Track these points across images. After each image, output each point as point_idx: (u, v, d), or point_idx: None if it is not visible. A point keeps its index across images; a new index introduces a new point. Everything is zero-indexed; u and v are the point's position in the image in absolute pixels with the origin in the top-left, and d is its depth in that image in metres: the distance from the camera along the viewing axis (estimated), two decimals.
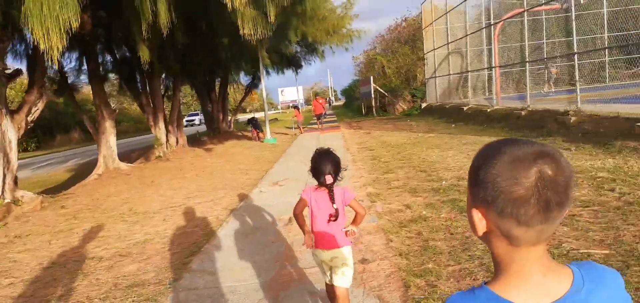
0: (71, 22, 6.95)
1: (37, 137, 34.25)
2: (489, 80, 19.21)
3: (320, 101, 24.69)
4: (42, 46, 6.52)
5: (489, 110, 16.00)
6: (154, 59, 12.77)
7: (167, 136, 16.35)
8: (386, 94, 29.30)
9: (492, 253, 0.93)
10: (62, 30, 6.84)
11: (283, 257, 4.75)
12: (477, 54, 19.83)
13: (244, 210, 7.13)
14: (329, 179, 2.83)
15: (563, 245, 4.03)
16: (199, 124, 41.16)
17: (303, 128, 24.28)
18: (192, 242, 5.73)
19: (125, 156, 18.08)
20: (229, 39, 14.58)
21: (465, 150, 10.32)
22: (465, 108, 18.34)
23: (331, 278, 2.99)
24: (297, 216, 3.01)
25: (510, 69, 17.48)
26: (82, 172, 15.07)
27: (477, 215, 0.89)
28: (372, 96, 29.53)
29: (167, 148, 16.29)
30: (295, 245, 5.08)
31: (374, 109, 29.46)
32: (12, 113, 9.19)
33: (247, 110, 65.05)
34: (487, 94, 19.66)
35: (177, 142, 17.59)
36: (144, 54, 10.28)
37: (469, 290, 0.94)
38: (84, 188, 11.09)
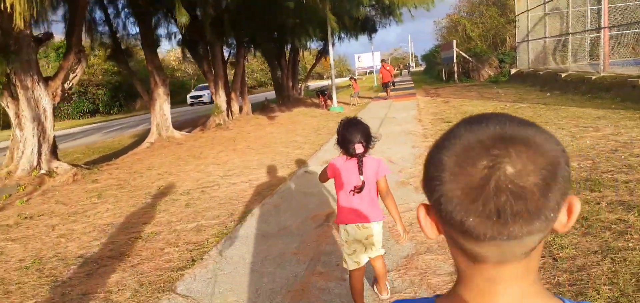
0: None
1: (120, 101, 35.41)
2: (593, 45, 16.26)
3: (388, 67, 21.66)
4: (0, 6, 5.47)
5: (593, 77, 13.32)
6: (204, 25, 11.76)
7: (229, 103, 15.48)
8: (470, 58, 26.53)
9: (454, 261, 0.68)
10: None
11: (300, 284, 3.33)
12: (580, 16, 16.85)
13: (277, 199, 5.78)
14: (359, 148, 2.60)
15: None
16: (209, 102, 31.22)
17: (381, 95, 22.19)
18: (200, 242, 4.48)
19: (194, 121, 17.59)
20: (294, 3, 13.19)
21: (566, 125, 8.21)
22: (563, 75, 15.61)
23: (360, 258, 2.76)
24: (323, 182, 2.98)
25: (625, 29, 14.44)
26: (146, 137, 14.55)
27: (421, 212, 0.67)
28: (454, 60, 26.87)
29: (229, 116, 15.44)
30: (322, 264, 3.64)
31: (455, 75, 26.86)
32: (46, 80, 8.47)
33: (324, 76, 63.84)
34: (588, 59, 16.71)
35: (240, 110, 16.73)
36: (182, 16, 9.15)
37: (417, 299, 0.75)
38: (130, 158, 10.39)
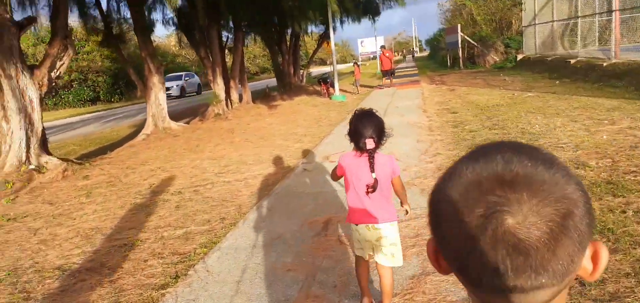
0: None
1: (121, 88, 34.96)
2: (603, 29, 15.73)
3: (387, 54, 20.24)
4: None
5: (605, 64, 12.85)
6: (198, 8, 11.35)
7: (227, 92, 15.07)
8: (475, 44, 25.97)
9: None
10: None
11: None
12: None
13: (272, 201, 5.41)
14: (370, 143, 2.47)
15: None
16: (178, 95, 29.74)
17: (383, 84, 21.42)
18: (186, 253, 4.12)
19: (194, 109, 17.18)
20: None
21: (579, 117, 7.79)
22: (572, 61, 15.13)
23: (373, 256, 2.66)
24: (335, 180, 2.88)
25: (637, 12, 13.87)
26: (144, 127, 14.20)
27: (430, 247, 0.61)
28: (459, 46, 26.33)
29: (228, 105, 15.04)
30: (318, 284, 3.28)
31: (460, 61, 26.32)
32: (31, 69, 8.09)
33: (327, 62, 63.13)
34: (597, 44, 16.18)
35: (240, 99, 16.33)
36: None
37: None
38: (125, 151, 10.05)
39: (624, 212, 3.74)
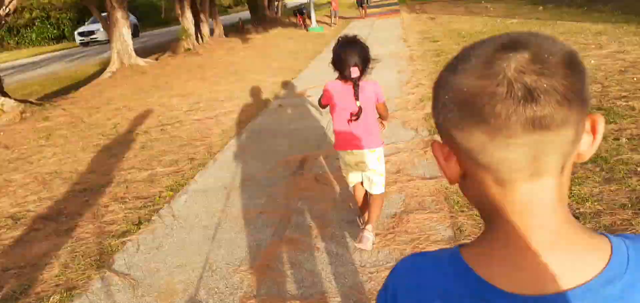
0: None
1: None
2: None
3: None
4: None
5: None
6: None
7: (197, 25, 14.32)
8: None
9: (476, 208, 0.59)
10: None
11: (265, 257, 2.71)
12: None
13: (244, 139, 5.07)
14: (354, 71, 2.35)
15: None
16: (105, 40, 20.21)
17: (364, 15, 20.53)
18: (150, 197, 3.79)
19: (165, 44, 16.32)
20: None
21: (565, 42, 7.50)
22: None
23: (355, 178, 2.68)
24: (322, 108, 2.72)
25: None
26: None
27: (439, 151, 0.57)
28: None
29: (199, 39, 14.33)
30: (293, 227, 3.01)
31: None
32: None
33: None
34: None
35: (211, 32, 15.58)
36: None
37: (437, 250, 0.62)
38: (90, 90, 9.49)
39: (617, 139, 3.52)
